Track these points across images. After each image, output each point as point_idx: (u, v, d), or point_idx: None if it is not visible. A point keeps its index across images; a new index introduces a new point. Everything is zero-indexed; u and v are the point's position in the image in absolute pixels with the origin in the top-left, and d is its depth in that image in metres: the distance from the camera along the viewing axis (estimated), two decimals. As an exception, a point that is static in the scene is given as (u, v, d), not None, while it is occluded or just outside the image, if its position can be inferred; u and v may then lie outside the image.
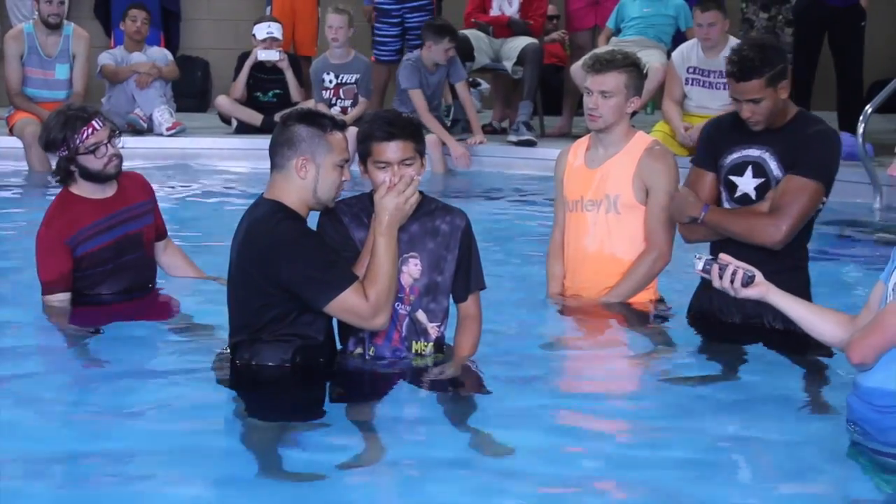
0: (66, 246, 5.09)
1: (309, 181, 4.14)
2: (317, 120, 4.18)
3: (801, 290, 4.72)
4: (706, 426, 3.99)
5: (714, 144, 4.93)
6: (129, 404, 4.14)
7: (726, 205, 4.90)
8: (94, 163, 5.10)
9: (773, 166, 4.77)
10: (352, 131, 9.76)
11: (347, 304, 4.06)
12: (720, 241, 4.82)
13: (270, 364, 4.19)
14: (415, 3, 10.42)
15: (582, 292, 5.26)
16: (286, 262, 4.04)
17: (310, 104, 10.17)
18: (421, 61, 9.71)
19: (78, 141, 5.05)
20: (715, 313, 4.95)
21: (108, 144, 5.09)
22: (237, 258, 4.20)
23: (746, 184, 4.82)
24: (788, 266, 4.75)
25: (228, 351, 4.30)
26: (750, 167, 4.81)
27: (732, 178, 4.85)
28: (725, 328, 4.92)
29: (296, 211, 4.16)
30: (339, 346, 4.37)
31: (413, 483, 3.56)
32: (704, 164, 4.95)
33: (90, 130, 5.05)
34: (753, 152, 4.81)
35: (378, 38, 10.45)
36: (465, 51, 10.19)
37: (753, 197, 4.82)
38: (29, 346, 4.86)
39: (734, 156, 4.85)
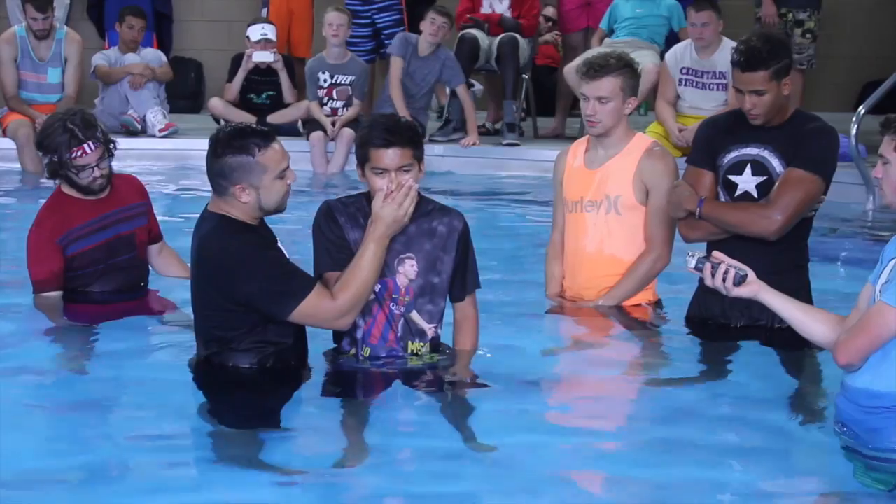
0: (57, 245, 5.09)
1: (252, 202, 4.11)
2: (244, 145, 4.08)
3: (802, 289, 4.73)
4: (697, 429, 3.99)
5: (711, 144, 4.91)
6: (107, 405, 4.16)
7: None
8: (79, 179, 5.10)
9: (776, 163, 4.77)
10: (345, 133, 9.87)
11: (311, 310, 4.06)
12: (719, 242, 4.79)
13: (243, 369, 4.16)
14: (382, 4, 10.56)
15: (581, 293, 5.25)
16: (242, 280, 4.03)
17: (303, 106, 10.17)
18: (413, 41, 9.85)
19: (67, 157, 5.04)
20: (717, 317, 4.93)
21: (97, 167, 5.08)
22: (194, 275, 4.20)
23: (747, 182, 4.82)
24: (789, 265, 4.76)
25: (200, 360, 4.26)
26: (749, 165, 4.81)
27: (731, 177, 4.84)
28: (726, 331, 4.90)
29: (245, 222, 4.13)
30: (333, 346, 4.38)
31: (405, 483, 3.56)
32: (702, 164, 4.92)
33: (80, 153, 5.02)
34: (752, 150, 4.80)
35: (349, 39, 10.49)
36: (473, 51, 10.20)
37: (755, 195, 4.80)
38: (15, 344, 4.86)
39: (732, 155, 4.84)
